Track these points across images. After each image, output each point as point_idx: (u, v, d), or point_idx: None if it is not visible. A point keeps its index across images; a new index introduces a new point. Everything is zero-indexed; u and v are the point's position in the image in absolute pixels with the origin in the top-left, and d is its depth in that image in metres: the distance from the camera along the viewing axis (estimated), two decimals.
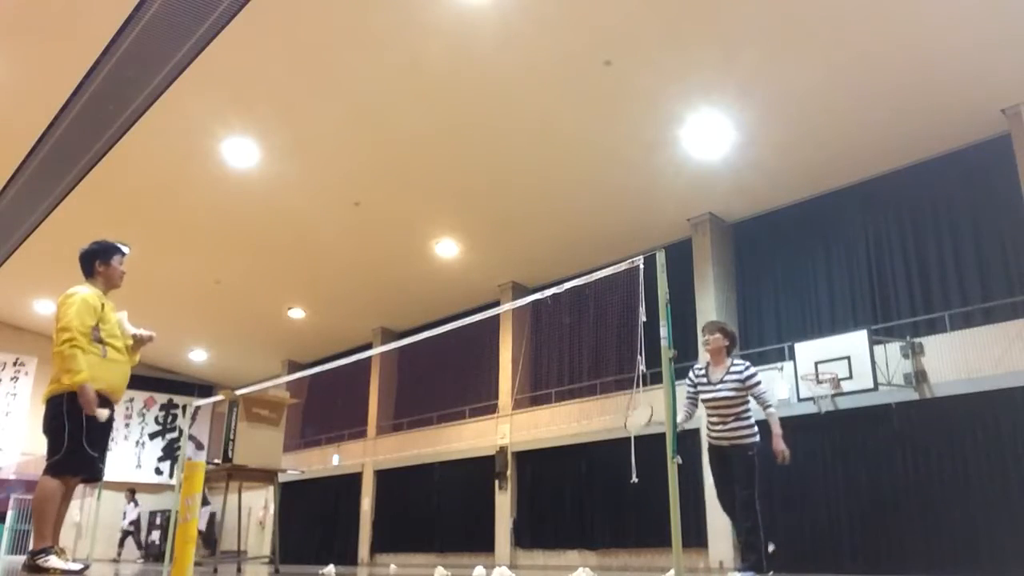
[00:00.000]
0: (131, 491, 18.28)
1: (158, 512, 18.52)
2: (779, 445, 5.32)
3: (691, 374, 5.74)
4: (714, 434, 5.55)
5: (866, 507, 8.46)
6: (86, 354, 4.37)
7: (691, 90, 8.41)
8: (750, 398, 5.49)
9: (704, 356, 5.88)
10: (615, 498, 10.87)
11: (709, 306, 10.57)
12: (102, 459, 4.53)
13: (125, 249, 4.90)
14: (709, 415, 5.58)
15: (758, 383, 5.45)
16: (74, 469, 4.33)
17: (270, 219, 11.78)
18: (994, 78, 7.86)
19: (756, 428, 5.50)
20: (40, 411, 4.50)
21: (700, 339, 5.90)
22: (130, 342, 4.73)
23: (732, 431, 5.44)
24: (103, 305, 4.56)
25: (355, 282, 14.15)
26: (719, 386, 5.48)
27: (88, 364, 4.34)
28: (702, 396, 5.59)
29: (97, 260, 4.67)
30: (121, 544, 17.89)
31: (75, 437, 4.26)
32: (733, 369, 5.49)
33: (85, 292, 4.51)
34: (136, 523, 18.13)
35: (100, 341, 4.46)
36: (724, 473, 5.54)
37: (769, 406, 5.40)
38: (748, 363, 5.57)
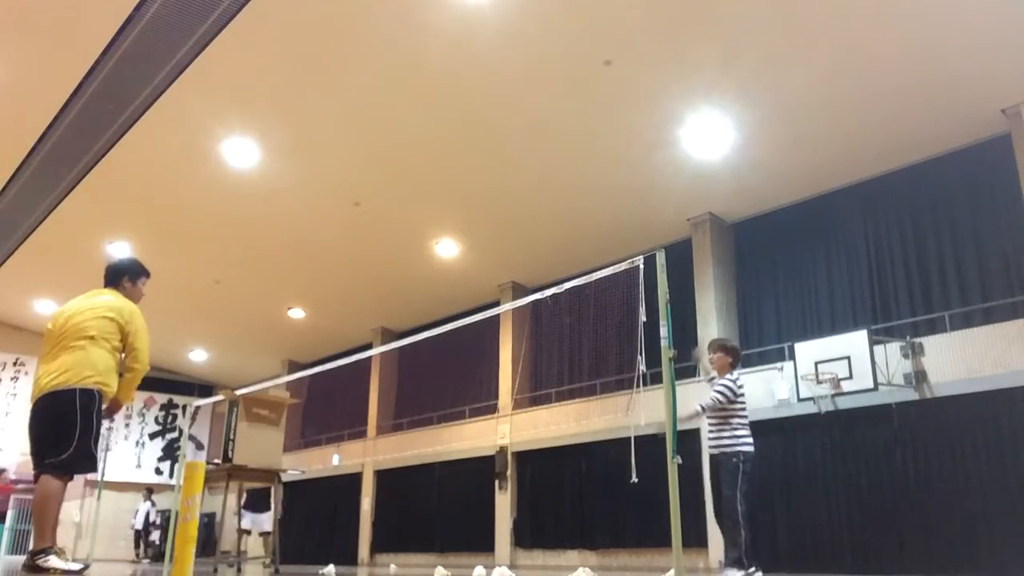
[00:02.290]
0: (148, 490, 18.37)
1: (158, 512, 18.54)
2: (683, 413, 5.33)
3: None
4: (710, 443, 5.92)
5: (866, 507, 8.46)
6: (106, 354, 4.43)
7: (691, 90, 8.41)
8: (739, 408, 5.82)
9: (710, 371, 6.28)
10: (615, 498, 10.86)
11: (709, 306, 10.57)
12: None
13: (150, 274, 5.03)
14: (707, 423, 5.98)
15: (716, 388, 5.80)
16: (82, 469, 4.33)
17: (270, 219, 11.78)
18: (994, 78, 7.86)
19: (746, 439, 5.76)
20: None
21: (706, 357, 6.26)
22: None
23: (719, 438, 5.79)
24: None
25: (355, 282, 14.15)
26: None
27: (109, 367, 4.43)
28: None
29: (126, 276, 4.80)
30: (137, 544, 17.96)
31: (86, 437, 4.24)
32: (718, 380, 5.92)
33: (136, 308, 4.67)
34: (147, 523, 18.18)
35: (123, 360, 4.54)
36: (715, 480, 5.86)
37: (700, 404, 5.74)
38: (731, 378, 5.85)
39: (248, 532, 12.36)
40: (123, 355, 4.54)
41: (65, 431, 4.20)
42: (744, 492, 5.59)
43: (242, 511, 11.80)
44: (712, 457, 5.85)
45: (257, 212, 11.59)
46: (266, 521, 12.19)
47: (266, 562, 11.64)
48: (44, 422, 4.29)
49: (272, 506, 12.10)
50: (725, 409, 5.79)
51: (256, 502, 12.26)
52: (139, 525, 18.04)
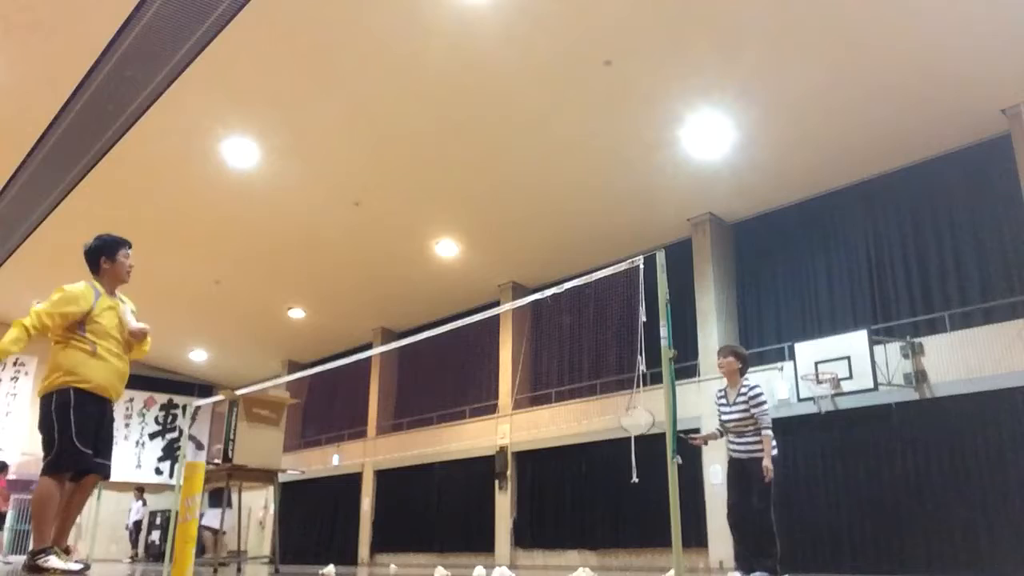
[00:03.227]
0: (139, 489, 18.36)
1: (158, 512, 18.55)
2: (767, 463, 5.60)
3: (716, 398, 6.12)
4: (733, 447, 5.89)
5: (866, 507, 8.46)
6: (70, 349, 4.38)
7: (691, 90, 8.41)
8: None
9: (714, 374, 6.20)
10: (615, 498, 10.86)
11: (709, 306, 10.57)
12: (104, 455, 4.49)
13: (129, 242, 4.83)
14: (729, 431, 5.96)
15: (760, 403, 5.77)
16: (66, 466, 4.31)
17: (270, 219, 11.77)
18: (994, 78, 7.86)
19: (773, 443, 5.74)
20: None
21: (716, 362, 6.22)
22: (125, 336, 4.64)
23: (750, 444, 5.76)
24: (96, 303, 4.48)
25: (355, 282, 14.15)
26: (733, 407, 5.87)
27: (74, 360, 4.36)
28: (722, 416, 5.97)
29: (102, 256, 4.65)
30: (134, 543, 17.96)
31: (64, 434, 4.26)
32: (742, 390, 5.87)
33: (73, 285, 4.48)
34: (139, 523, 18.18)
35: (84, 331, 4.41)
36: (739, 485, 5.81)
37: (766, 428, 5.69)
38: (757, 384, 5.89)
39: (215, 531, 12.48)
40: (83, 331, 4.42)
41: (48, 432, 4.31)
42: (774, 500, 5.59)
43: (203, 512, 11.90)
44: (736, 461, 5.82)
45: (257, 212, 11.59)
46: (216, 518, 12.29)
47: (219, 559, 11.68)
48: (38, 427, 4.41)
49: (223, 504, 12.25)
50: (753, 415, 5.75)
51: (211, 500, 12.39)
52: (130, 524, 18.06)
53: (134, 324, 4.71)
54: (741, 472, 5.78)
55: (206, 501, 12.67)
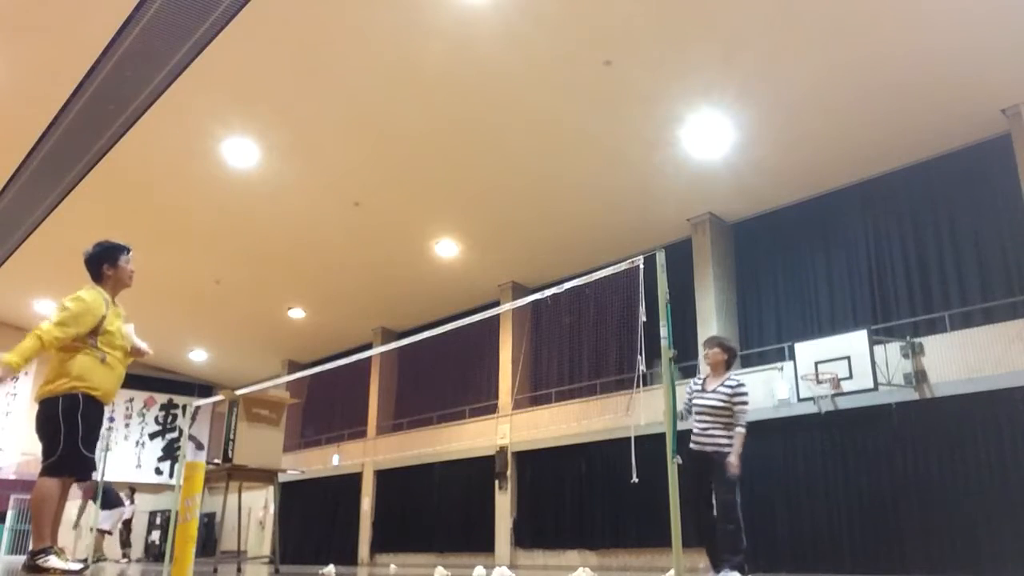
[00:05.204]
0: (131, 489, 18.29)
1: (158, 512, 18.51)
2: (734, 461, 5.49)
3: (691, 383, 5.97)
4: (699, 439, 5.73)
5: (866, 507, 8.45)
6: (81, 356, 4.36)
7: (691, 90, 8.41)
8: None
9: (704, 368, 6.11)
10: (615, 498, 10.86)
11: (709, 306, 10.57)
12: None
13: (129, 247, 4.83)
14: (697, 420, 5.78)
15: (742, 401, 5.63)
16: (71, 470, 4.35)
17: (270, 219, 11.78)
18: (994, 78, 7.86)
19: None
20: None
21: (701, 353, 5.98)
22: (128, 348, 4.72)
23: (716, 439, 5.62)
24: (107, 312, 4.48)
25: (355, 282, 14.16)
26: (711, 395, 5.70)
27: (84, 367, 4.36)
28: (695, 401, 5.80)
29: (104, 263, 4.62)
30: (127, 543, 17.86)
31: (71, 438, 4.27)
32: (727, 382, 5.71)
33: (86, 294, 4.46)
34: (129, 522, 18.05)
35: (96, 340, 4.42)
36: (702, 477, 5.68)
37: (741, 426, 5.57)
38: (742, 381, 5.74)
39: (108, 533, 12.53)
40: (95, 341, 4.41)
41: (53, 435, 4.30)
42: (741, 499, 5.52)
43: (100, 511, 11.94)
44: (702, 454, 5.61)
45: (257, 212, 11.59)
46: (106, 520, 12.34)
47: (101, 558, 11.74)
48: (37, 428, 4.40)
49: (116, 503, 12.30)
50: (725, 407, 5.63)
51: (113, 500, 12.42)
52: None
53: (139, 343, 4.77)
54: (704, 465, 5.59)
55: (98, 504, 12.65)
